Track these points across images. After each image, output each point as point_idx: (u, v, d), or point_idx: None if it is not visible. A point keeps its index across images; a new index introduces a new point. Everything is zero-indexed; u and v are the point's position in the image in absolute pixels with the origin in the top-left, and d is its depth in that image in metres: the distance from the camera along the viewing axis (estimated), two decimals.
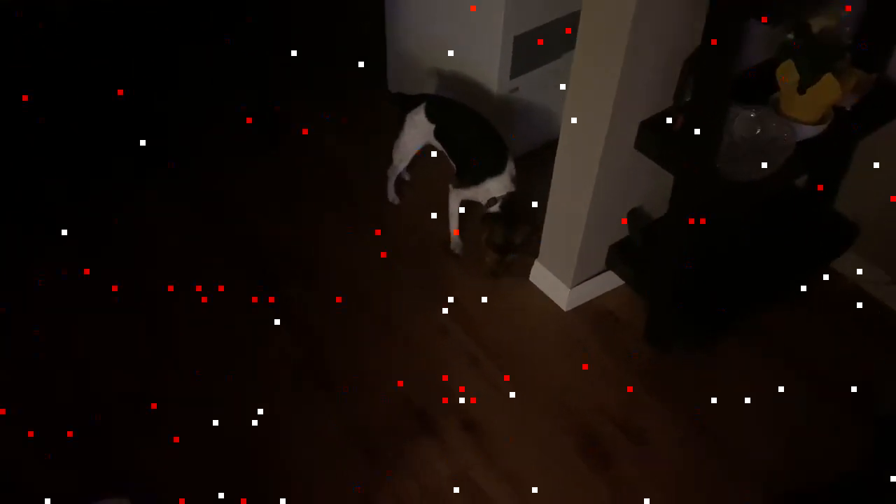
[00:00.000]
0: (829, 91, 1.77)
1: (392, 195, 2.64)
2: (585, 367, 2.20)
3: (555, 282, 2.33)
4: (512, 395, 2.13)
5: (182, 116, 2.93)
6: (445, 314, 2.31)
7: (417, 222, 2.58)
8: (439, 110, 2.40)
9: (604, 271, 2.31)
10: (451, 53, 2.60)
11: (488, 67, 2.47)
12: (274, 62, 3.18)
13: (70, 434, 1.99)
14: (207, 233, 2.53)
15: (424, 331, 2.27)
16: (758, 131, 1.85)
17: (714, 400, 2.12)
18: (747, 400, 2.12)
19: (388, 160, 2.56)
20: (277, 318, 2.29)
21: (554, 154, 2.13)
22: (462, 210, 2.44)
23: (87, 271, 2.38)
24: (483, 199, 2.30)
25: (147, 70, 3.08)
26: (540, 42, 2.44)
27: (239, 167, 2.75)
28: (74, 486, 1.88)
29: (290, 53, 3.16)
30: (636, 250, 2.20)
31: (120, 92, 2.90)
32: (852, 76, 1.83)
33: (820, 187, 2.30)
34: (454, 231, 2.47)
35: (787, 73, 1.79)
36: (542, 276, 2.37)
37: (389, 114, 2.56)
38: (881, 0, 1.90)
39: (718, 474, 1.97)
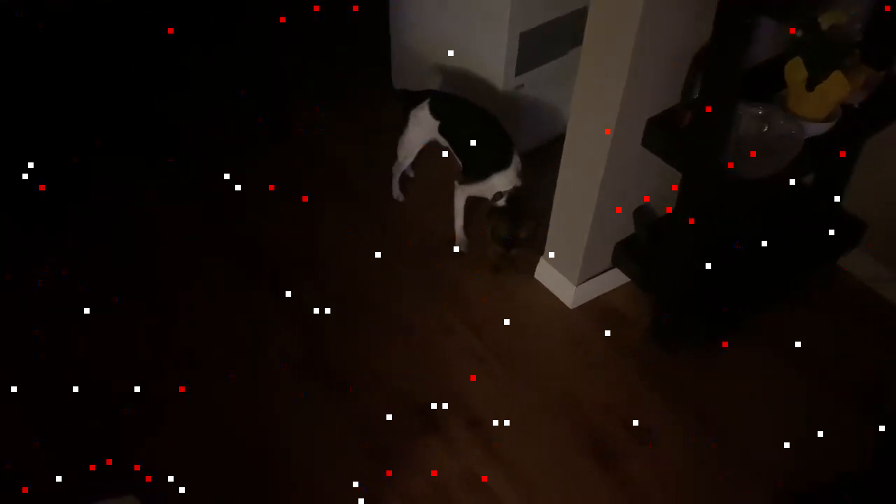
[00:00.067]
0: (837, 88, 1.77)
1: (396, 192, 2.63)
2: (591, 365, 2.20)
3: (560, 279, 2.32)
4: (517, 393, 2.12)
5: (183, 115, 2.93)
6: (451, 312, 2.31)
7: (422, 219, 2.58)
8: (443, 106, 2.39)
9: (610, 269, 2.31)
10: (455, 50, 2.59)
11: (494, 64, 2.46)
12: (276, 60, 3.17)
13: (74, 434, 1.99)
14: (209, 232, 2.52)
15: (429, 328, 2.27)
16: (765, 129, 1.84)
17: (719, 398, 2.11)
18: (753, 399, 2.12)
19: (393, 157, 2.55)
20: (281, 317, 2.28)
21: (559, 151, 2.12)
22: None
23: (88, 271, 2.38)
24: (489, 195, 2.29)
25: (148, 69, 3.07)
26: (546, 36, 2.43)
27: (240, 166, 2.74)
28: (79, 485, 1.88)
29: (292, 51, 3.15)
30: (642, 248, 2.20)
31: (122, 90, 2.89)
32: (861, 73, 1.82)
33: (826, 184, 2.30)
34: (459, 228, 2.46)
35: (796, 70, 1.79)
36: (547, 273, 2.37)
37: (393, 111, 2.55)
38: None
39: (723, 473, 1.97)
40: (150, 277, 2.38)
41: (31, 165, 2.65)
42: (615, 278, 2.34)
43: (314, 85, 3.08)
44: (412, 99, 2.44)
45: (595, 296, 2.35)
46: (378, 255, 2.46)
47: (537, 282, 2.41)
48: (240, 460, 1.96)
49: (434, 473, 1.94)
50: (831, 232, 2.32)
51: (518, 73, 2.48)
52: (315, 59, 3.20)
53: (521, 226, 2.24)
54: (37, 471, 1.92)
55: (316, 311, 2.30)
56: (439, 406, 2.08)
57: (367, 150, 2.79)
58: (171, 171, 2.71)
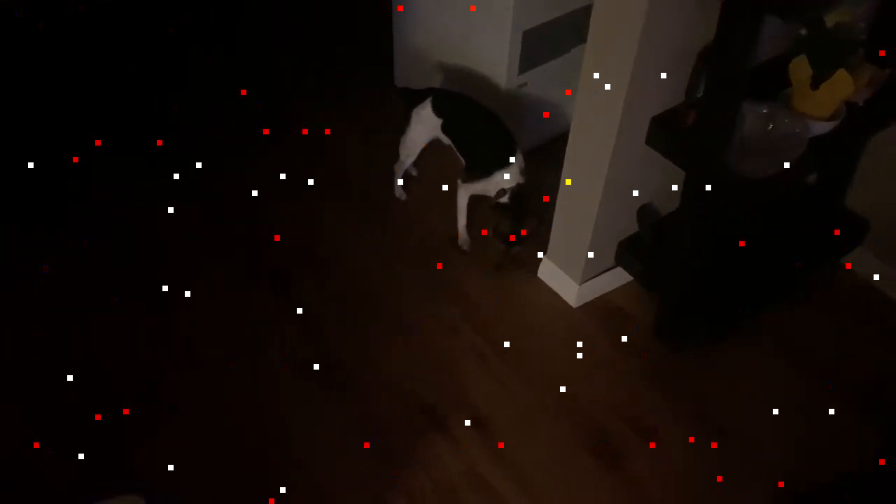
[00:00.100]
0: (842, 86, 1.76)
1: (399, 191, 2.62)
2: (594, 364, 2.19)
3: (564, 278, 2.32)
4: (521, 391, 2.12)
5: (185, 114, 2.92)
6: (454, 311, 2.30)
7: (424, 218, 2.57)
8: (446, 104, 2.38)
9: (613, 267, 2.31)
10: (458, 48, 2.59)
11: (496, 62, 2.45)
12: (277, 59, 3.17)
13: (75, 434, 1.99)
14: (210, 231, 2.52)
15: (432, 327, 2.26)
16: (770, 127, 1.84)
17: (721, 398, 2.11)
18: (754, 398, 2.12)
19: (395, 156, 2.55)
20: (282, 316, 2.28)
21: (562, 149, 2.12)
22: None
23: (88, 270, 2.37)
24: (492, 192, 2.29)
25: (149, 68, 3.07)
26: (549, 35, 2.43)
27: (241, 165, 2.74)
28: (85, 484, 1.88)
29: (294, 50, 3.14)
30: (646, 247, 2.19)
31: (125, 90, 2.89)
32: (865, 71, 1.82)
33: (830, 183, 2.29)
34: (462, 227, 2.45)
35: (800, 69, 1.78)
36: (550, 272, 2.36)
37: (396, 109, 2.55)
38: None
39: (724, 472, 1.97)
40: (150, 277, 2.37)
41: (31, 165, 2.65)
42: (618, 277, 2.33)
43: (316, 84, 3.07)
44: (414, 97, 2.44)
45: (598, 295, 2.35)
46: (380, 254, 2.46)
47: (540, 280, 2.40)
48: (242, 460, 1.96)
49: (438, 472, 1.94)
50: (834, 231, 2.32)
51: (521, 71, 2.48)
52: (317, 58, 3.19)
53: (524, 223, 2.23)
54: (38, 471, 1.91)
55: (318, 310, 2.30)
56: (442, 405, 2.08)
57: (369, 149, 2.79)
58: (172, 170, 2.70)
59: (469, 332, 2.26)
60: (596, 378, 2.16)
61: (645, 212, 2.18)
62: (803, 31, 1.79)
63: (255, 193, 2.64)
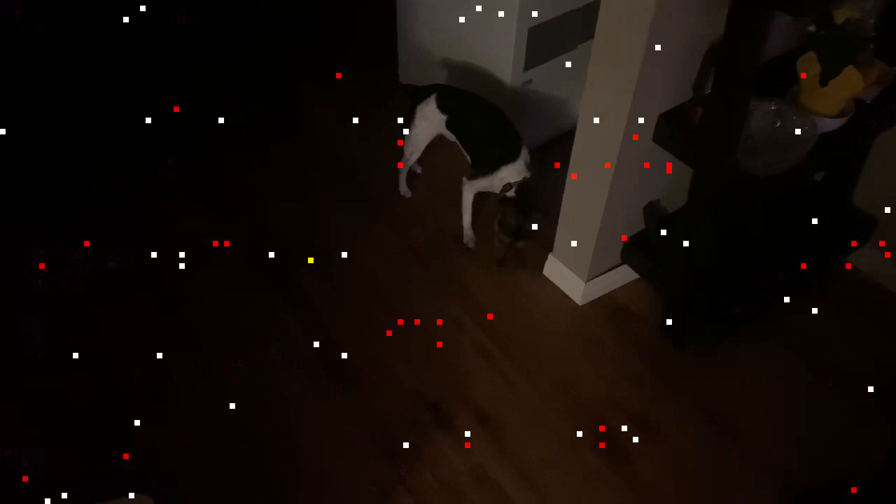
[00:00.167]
0: (851, 83, 1.75)
1: (404, 188, 2.62)
2: (599, 361, 2.19)
3: (569, 276, 2.31)
4: (526, 389, 2.12)
5: (193, 110, 2.91)
6: (459, 308, 2.30)
7: (429, 216, 2.57)
8: (450, 100, 2.37)
9: (619, 265, 2.30)
10: (463, 45, 2.58)
11: (502, 59, 2.44)
12: (282, 56, 3.15)
13: (82, 432, 1.99)
14: (216, 228, 2.51)
15: (438, 325, 2.26)
16: (777, 124, 1.83)
17: (727, 396, 2.11)
18: (760, 396, 2.12)
19: (399, 153, 2.54)
20: (289, 314, 2.28)
21: (567, 146, 2.11)
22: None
23: (94, 267, 2.37)
24: (497, 189, 2.28)
25: (152, 67, 3.05)
26: (555, 31, 2.42)
27: (248, 163, 2.74)
28: (91, 484, 1.88)
29: (299, 47, 3.13)
30: (652, 244, 2.19)
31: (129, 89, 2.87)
32: (874, 68, 1.81)
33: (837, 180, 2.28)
34: (467, 225, 2.45)
35: (809, 65, 1.77)
36: (556, 270, 2.36)
37: (400, 106, 2.54)
38: None
39: (730, 470, 1.97)
40: (155, 275, 2.37)
41: (32, 164, 2.65)
42: (624, 275, 2.33)
43: (320, 81, 3.06)
44: (419, 94, 2.43)
45: (604, 292, 2.35)
46: (385, 251, 2.46)
47: (546, 278, 2.40)
48: (249, 457, 1.96)
49: (443, 470, 1.94)
50: (841, 228, 2.31)
51: (526, 68, 2.46)
52: (320, 55, 3.18)
53: (529, 217, 2.23)
54: (42, 470, 1.91)
55: (323, 307, 2.30)
56: (448, 402, 2.08)
57: (374, 146, 2.78)
58: (182, 165, 2.70)
59: (474, 330, 2.25)
60: (601, 376, 2.16)
61: (651, 209, 2.18)
62: (812, 28, 1.78)
63: (259, 191, 2.64)
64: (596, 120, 1.96)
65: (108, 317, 2.26)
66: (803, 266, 2.23)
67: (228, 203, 2.60)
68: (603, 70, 1.87)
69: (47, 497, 1.85)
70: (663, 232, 2.14)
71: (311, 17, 3.36)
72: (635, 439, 2.02)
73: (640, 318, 2.29)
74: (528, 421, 2.05)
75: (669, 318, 2.19)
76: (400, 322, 2.26)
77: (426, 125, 2.41)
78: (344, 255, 2.45)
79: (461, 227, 2.46)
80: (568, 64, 2.55)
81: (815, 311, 2.30)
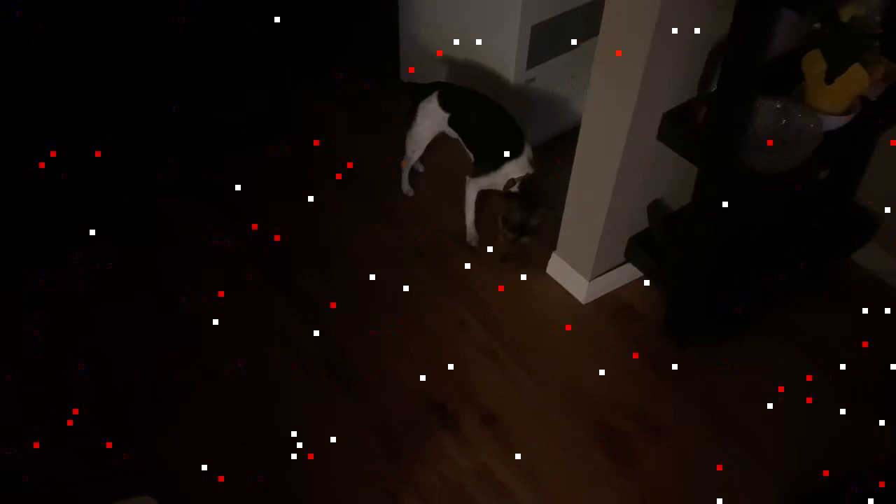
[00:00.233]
0: (857, 81, 1.75)
1: (406, 187, 2.61)
2: (603, 360, 2.19)
3: (573, 274, 2.30)
4: (531, 388, 2.11)
5: (193, 110, 2.89)
6: (463, 307, 2.29)
7: (432, 214, 2.56)
8: (452, 98, 2.36)
9: (622, 264, 2.29)
10: (466, 43, 2.57)
11: (505, 57, 2.43)
12: (283, 55, 3.14)
13: (85, 434, 1.97)
14: (219, 228, 2.50)
15: (441, 324, 2.25)
16: (783, 122, 1.83)
17: (731, 394, 2.11)
18: (764, 394, 2.10)
19: (401, 152, 2.53)
20: (294, 311, 2.27)
21: (570, 144, 2.10)
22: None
23: (96, 267, 2.36)
24: (501, 186, 2.27)
25: (152, 66, 3.04)
26: (558, 29, 2.41)
27: (248, 162, 2.72)
28: (94, 485, 1.86)
29: (299, 45, 3.12)
30: (656, 243, 2.18)
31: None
32: (880, 66, 1.80)
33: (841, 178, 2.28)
34: (470, 223, 2.44)
35: (814, 63, 1.77)
36: (559, 268, 2.35)
37: (402, 104, 2.53)
38: None
39: (735, 469, 1.96)
40: (156, 275, 2.36)
41: (32, 163, 2.63)
42: (628, 273, 2.32)
43: (320, 81, 3.05)
44: (420, 91, 2.42)
45: (607, 291, 2.34)
46: (388, 250, 2.45)
47: (549, 277, 2.39)
48: (250, 457, 1.95)
49: (448, 470, 1.93)
50: (845, 226, 2.31)
51: (529, 66, 2.46)
52: (321, 53, 3.17)
53: (533, 212, 2.22)
54: (45, 469, 1.90)
55: (325, 307, 2.28)
56: (452, 402, 2.07)
57: (375, 145, 2.77)
58: (179, 168, 2.69)
59: (478, 329, 2.24)
60: (604, 374, 2.15)
61: (656, 207, 2.17)
62: (817, 25, 1.77)
63: (259, 191, 2.63)
64: (600, 118, 1.95)
65: (108, 317, 2.24)
66: (806, 264, 2.23)
67: (228, 203, 2.59)
68: (607, 68, 1.86)
69: (47, 497, 1.84)
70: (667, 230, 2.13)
71: (311, 17, 3.35)
72: (638, 438, 2.01)
73: (643, 316, 2.28)
74: (532, 420, 2.04)
75: (673, 317, 2.18)
76: (403, 322, 2.25)
77: (428, 123, 2.40)
78: (346, 253, 2.44)
79: (464, 226, 2.45)
80: (571, 62, 2.54)
81: (817, 309, 2.29)
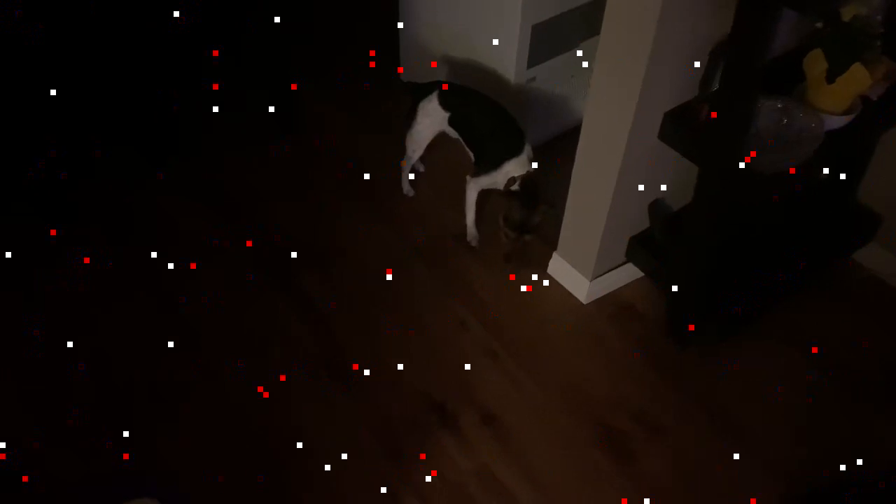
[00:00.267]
0: (858, 80, 1.75)
1: (406, 187, 2.60)
2: (604, 360, 2.18)
3: (574, 274, 2.30)
4: (531, 388, 2.11)
5: (193, 110, 2.89)
6: (463, 307, 2.29)
7: (432, 214, 2.56)
8: (452, 97, 2.36)
9: (623, 263, 2.29)
10: (466, 43, 2.56)
11: (505, 57, 2.43)
12: (283, 55, 3.13)
13: (85, 434, 1.97)
14: (219, 228, 2.50)
15: (442, 324, 2.25)
16: (784, 122, 1.82)
17: (732, 394, 2.10)
18: (767, 394, 2.10)
19: (401, 152, 2.52)
20: (294, 311, 2.26)
21: (570, 144, 2.10)
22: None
23: (96, 267, 2.35)
24: (501, 185, 2.26)
25: (153, 66, 3.04)
26: (559, 28, 2.41)
27: (248, 162, 2.72)
28: (92, 483, 1.86)
29: (299, 45, 3.11)
30: (657, 242, 2.18)
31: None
32: (881, 65, 1.80)
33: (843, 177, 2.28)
34: (471, 223, 2.44)
35: (815, 62, 1.77)
36: (560, 268, 2.35)
37: (402, 104, 2.52)
38: None
39: (735, 469, 1.96)
40: (157, 275, 2.35)
41: (32, 164, 2.63)
42: (629, 273, 2.32)
43: (320, 81, 3.05)
44: (420, 91, 2.41)
45: (608, 291, 2.34)
46: (388, 250, 2.44)
47: (550, 276, 2.39)
48: (250, 457, 1.94)
49: (448, 470, 1.93)
50: (846, 226, 2.30)
51: (530, 66, 2.45)
52: (321, 53, 3.17)
53: (534, 210, 2.21)
54: (45, 469, 1.90)
55: (325, 307, 2.28)
56: (452, 402, 2.06)
57: (375, 145, 2.77)
58: (179, 168, 2.68)
59: (478, 329, 2.24)
60: (606, 374, 2.15)
61: (657, 207, 2.17)
62: (819, 25, 1.77)
63: (259, 191, 2.63)
64: (601, 118, 1.95)
65: (108, 317, 2.24)
66: (806, 264, 2.23)
67: (228, 203, 2.59)
68: (608, 68, 1.86)
69: (47, 497, 1.84)
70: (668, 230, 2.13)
71: (311, 17, 3.35)
72: (638, 438, 2.01)
73: (644, 316, 2.28)
74: (532, 420, 2.04)
75: (674, 316, 2.18)
76: (403, 322, 2.25)
77: (428, 122, 2.40)
78: (346, 254, 2.44)
79: (464, 226, 2.45)
80: (571, 61, 2.54)
81: (817, 309, 2.29)
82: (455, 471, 1.93)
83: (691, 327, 2.14)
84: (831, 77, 1.74)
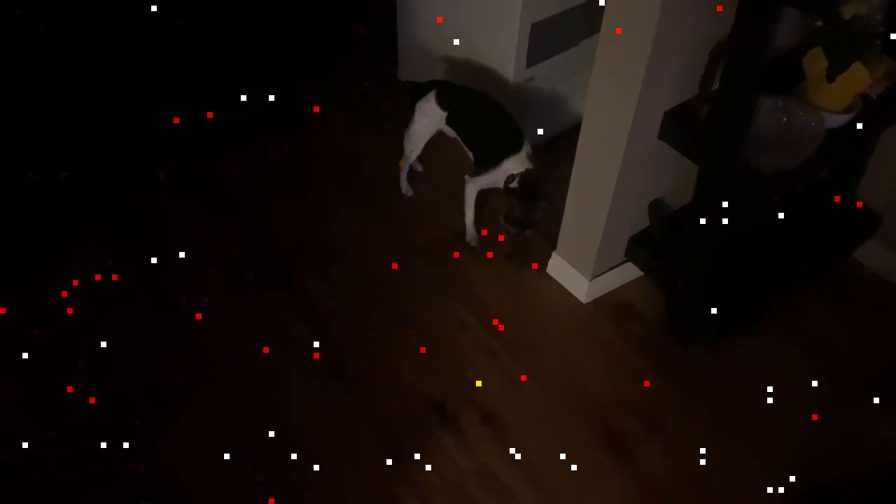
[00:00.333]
0: (858, 79, 1.74)
1: (405, 187, 2.60)
2: (604, 359, 2.18)
3: (573, 274, 2.30)
4: (531, 388, 2.10)
5: (190, 112, 2.89)
6: (463, 307, 2.29)
7: (431, 214, 2.55)
8: (450, 96, 2.35)
9: (623, 263, 2.29)
10: (464, 42, 2.56)
11: (504, 56, 2.43)
12: (282, 55, 3.13)
13: (85, 435, 1.96)
14: (219, 229, 2.50)
15: (442, 324, 2.25)
16: (784, 121, 1.82)
17: (732, 392, 2.10)
18: (768, 391, 2.10)
19: (399, 151, 2.52)
20: (293, 312, 2.26)
21: (569, 144, 2.10)
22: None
23: (96, 267, 2.35)
24: (500, 184, 2.26)
25: (153, 66, 3.04)
26: (558, 27, 2.41)
27: (248, 162, 2.72)
28: (92, 483, 1.86)
29: (297, 45, 3.11)
30: (657, 242, 2.18)
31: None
32: (881, 64, 1.80)
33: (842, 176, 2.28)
34: (470, 222, 2.43)
35: (815, 61, 1.76)
36: (560, 268, 2.35)
37: (402, 104, 2.52)
38: None
39: (736, 467, 1.96)
40: (157, 274, 2.35)
41: (32, 164, 2.63)
42: (628, 272, 2.32)
43: (320, 81, 3.05)
44: (418, 90, 2.41)
45: (608, 290, 2.33)
46: (388, 250, 2.44)
47: (549, 276, 2.39)
48: (250, 457, 1.94)
49: (448, 470, 1.93)
50: (847, 224, 2.30)
51: (528, 65, 2.45)
52: (319, 53, 3.17)
53: (534, 207, 2.21)
54: (45, 469, 1.90)
55: (325, 307, 2.28)
56: (452, 402, 2.06)
57: (374, 145, 2.77)
58: (179, 168, 2.68)
59: (478, 329, 2.24)
60: (606, 373, 2.14)
61: (656, 206, 2.17)
62: (819, 23, 1.77)
63: (259, 191, 2.62)
64: (601, 117, 1.94)
65: (108, 317, 2.24)
66: (806, 263, 2.22)
67: (228, 203, 2.59)
68: (608, 67, 1.86)
69: (47, 497, 1.84)
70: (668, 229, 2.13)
71: (311, 17, 3.35)
72: (638, 438, 2.01)
73: (644, 315, 2.28)
74: (532, 420, 2.04)
75: (674, 316, 2.17)
76: (403, 322, 2.25)
77: (426, 121, 2.40)
78: (346, 254, 2.43)
79: (464, 226, 2.45)
80: (571, 60, 2.53)
81: (818, 307, 2.29)
82: (455, 471, 1.93)
83: (691, 326, 2.14)
84: (831, 76, 1.74)
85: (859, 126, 1.85)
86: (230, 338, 2.20)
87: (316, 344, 2.19)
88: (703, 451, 1.99)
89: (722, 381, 2.13)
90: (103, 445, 1.94)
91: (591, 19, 2.35)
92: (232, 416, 2.02)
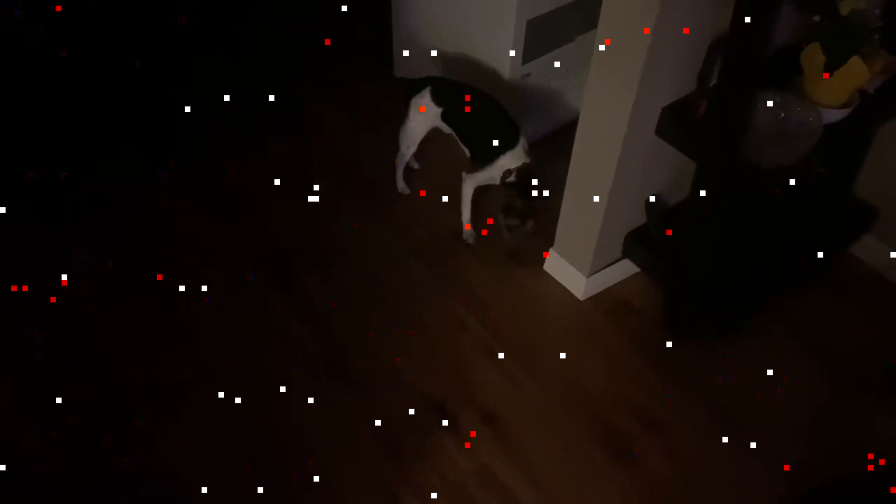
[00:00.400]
0: (856, 74, 1.74)
1: (401, 185, 2.60)
2: (602, 357, 2.18)
3: (571, 271, 2.30)
4: (530, 387, 2.10)
5: (193, 110, 2.90)
6: (461, 306, 2.28)
7: (428, 212, 2.55)
8: (445, 92, 2.34)
9: (620, 259, 2.28)
10: (460, 39, 2.55)
11: (500, 53, 2.42)
12: (280, 54, 3.14)
13: (84, 435, 1.97)
14: (218, 229, 2.50)
15: (440, 323, 2.24)
16: (782, 116, 1.81)
17: (731, 389, 2.10)
18: (766, 389, 2.10)
19: (395, 149, 2.52)
20: (293, 312, 2.26)
21: (566, 141, 2.09)
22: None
23: (96, 268, 2.36)
24: (497, 180, 2.26)
25: (158, 65, 3.04)
26: (554, 23, 2.40)
27: (246, 162, 2.72)
28: (92, 483, 1.86)
29: (294, 43, 3.11)
30: (654, 238, 2.17)
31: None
32: (879, 59, 1.79)
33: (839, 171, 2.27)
34: (467, 220, 2.43)
35: (813, 56, 1.76)
36: (557, 265, 2.34)
37: (396, 101, 2.52)
38: None
39: (735, 465, 1.95)
40: (163, 271, 2.35)
41: (32, 164, 2.64)
42: (625, 269, 2.31)
43: (320, 81, 3.04)
44: (413, 87, 2.40)
45: (605, 287, 2.33)
46: (385, 249, 2.44)
47: (547, 274, 2.38)
48: (250, 457, 1.94)
49: (448, 470, 1.93)
50: (843, 219, 2.29)
51: (525, 61, 2.44)
52: (316, 51, 3.17)
53: (533, 199, 2.20)
54: (45, 469, 1.90)
55: (324, 307, 2.28)
56: (452, 402, 2.06)
57: (374, 144, 2.76)
58: (179, 168, 2.68)
59: (476, 328, 2.24)
60: (604, 372, 2.14)
61: (654, 203, 2.16)
62: (816, 18, 1.76)
63: (259, 191, 2.62)
64: (598, 113, 1.94)
65: (108, 317, 2.24)
66: (804, 258, 2.21)
67: (228, 203, 2.59)
68: (605, 63, 1.85)
69: (47, 497, 1.84)
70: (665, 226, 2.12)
71: (311, 17, 3.35)
72: (638, 435, 2.00)
73: (641, 312, 2.27)
74: (532, 419, 2.04)
75: (671, 312, 2.17)
76: (402, 321, 2.24)
77: (421, 118, 2.39)
78: (344, 253, 2.43)
79: (461, 224, 2.44)
80: (568, 56, 2.53)
81: (816, 303, 2.28)
82: (455, 471, 1.93)
83: (689, 323, 2.14)
84: (829, 71, 1.73)
85: (856, 121, 1.84)
86: (230, 338, 2.21)
87: (315, 344, 2.19)
88: (701, 448, 1.98)
89: (720, 377, 2.12)
90: (103, 445, 1.94)
91: (587, 15, 2.34)
92: (232, 416, 2.02)
